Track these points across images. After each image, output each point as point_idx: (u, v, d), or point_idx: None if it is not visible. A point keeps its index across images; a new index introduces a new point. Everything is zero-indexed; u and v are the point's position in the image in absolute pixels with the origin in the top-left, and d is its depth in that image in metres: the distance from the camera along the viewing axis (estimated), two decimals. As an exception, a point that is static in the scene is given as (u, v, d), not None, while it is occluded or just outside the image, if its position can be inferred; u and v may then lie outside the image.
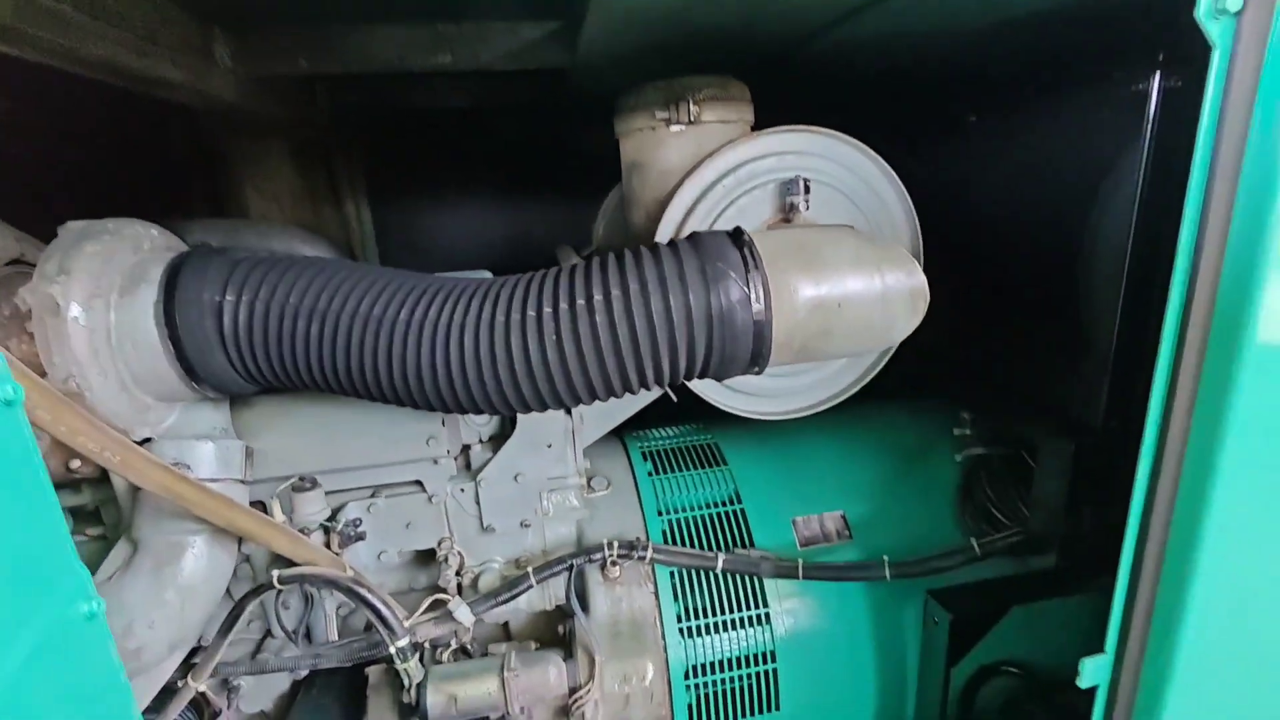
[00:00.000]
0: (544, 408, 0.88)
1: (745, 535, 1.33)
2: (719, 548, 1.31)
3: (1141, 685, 0.78)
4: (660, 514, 1.36)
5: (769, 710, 1.27)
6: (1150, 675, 0.78)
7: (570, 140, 2.26)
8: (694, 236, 0.86)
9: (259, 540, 0.91)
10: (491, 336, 0.82)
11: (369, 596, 1.01)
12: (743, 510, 1.37)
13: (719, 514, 1.37)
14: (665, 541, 1.32)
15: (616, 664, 1.18)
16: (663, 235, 1.09)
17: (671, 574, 1.29)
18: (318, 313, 0.83)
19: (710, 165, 1.02)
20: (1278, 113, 0.68)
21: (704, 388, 1.17)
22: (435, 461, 1.19)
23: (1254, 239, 0.70)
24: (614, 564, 1.23)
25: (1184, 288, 0.75)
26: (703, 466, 1.47)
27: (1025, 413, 1.10)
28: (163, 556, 0.88)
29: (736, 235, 0.85)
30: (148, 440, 0.90)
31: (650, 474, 1.45)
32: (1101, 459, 0.98)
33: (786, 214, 1.02)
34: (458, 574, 1.27)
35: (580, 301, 0.81)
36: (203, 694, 1.16)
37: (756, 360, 0.85)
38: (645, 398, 1.40)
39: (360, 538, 1.10)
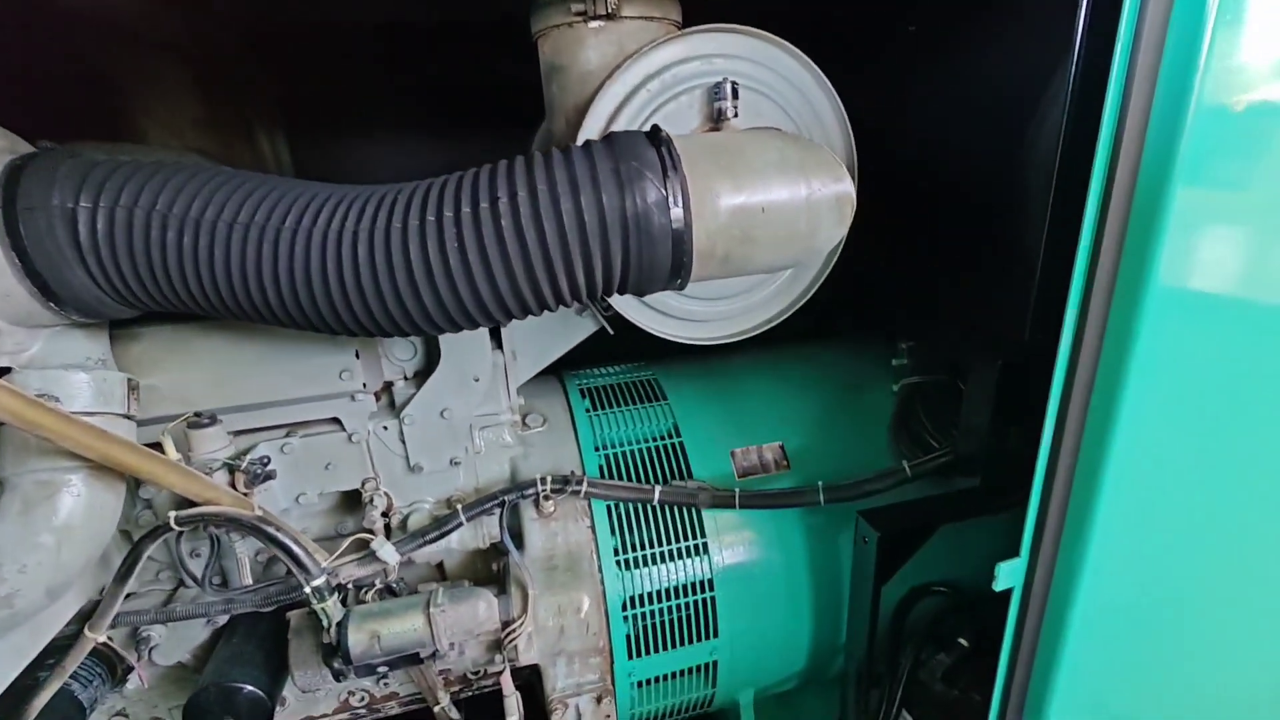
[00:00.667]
0: (453, 326, 0.82)
1: (684, 468, 1.32)
2: (657, 481, 1.29)
3: (1053, 587, 0.79)
4: (598, 449, 1.33)
5: (708, 637, 1.27)
6: (1061, 578, 0.79)
7: (511, 71, 2.13)
8: (609, 137, 0.80)
9: (144, 476, 0.84)
10: (388, 244, 0.75)
11: (278, 535, 0.95)
12: (681, 444, 1.35)
13: (657, 448, 1.34)
14: (603, 476, 1.29)
15: (551, 597, 1.15)
16: (583, 145, 1.02)
17: (609, 508, 1.26)
18: (190, 220, 0.75)
19: (632, 68, 0.95)
20: (1193, 21, 0.66)
21: (635, 313, 1.13)
22: (352, 398, 1.12)
23: (1169, 146, 0.69)
24: (547, 499, 1.20)
25: (1100, 198, 0.72)
26: (642, 402, 1.43)
27: (958, 336, 1.09)
28: (32, 496, 0.80)
29: (653, 134, 0.79)
30: (6, 370, 0.81)
31: (588, 410, 1.41)
32: (1026, 376, 0.98)
33: (715, 122, 0.97)
34: (385, 515, 1.22)
35: (484, 205, 0.74)
36: (111, 647, 1.09)
37: (679, 271, 0.81)
38: (580, 331, 1.36)
39: (269, 476, 1.04)
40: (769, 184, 0.80)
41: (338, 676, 1.04)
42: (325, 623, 0.99)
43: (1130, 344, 0.72)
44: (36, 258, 0.73)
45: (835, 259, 1.10)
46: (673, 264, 0.79)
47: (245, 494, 1.02)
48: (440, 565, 1.29)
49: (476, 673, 1.21)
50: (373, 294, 0.77)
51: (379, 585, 1.09)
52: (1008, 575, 0.80)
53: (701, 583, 1.26)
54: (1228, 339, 0.76)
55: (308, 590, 0.97)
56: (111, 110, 1.52)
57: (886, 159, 1.16)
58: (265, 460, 1.04)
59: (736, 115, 0.94)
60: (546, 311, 0.83)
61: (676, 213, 0.76)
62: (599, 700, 1.22)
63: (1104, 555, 0.79)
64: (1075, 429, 0.76)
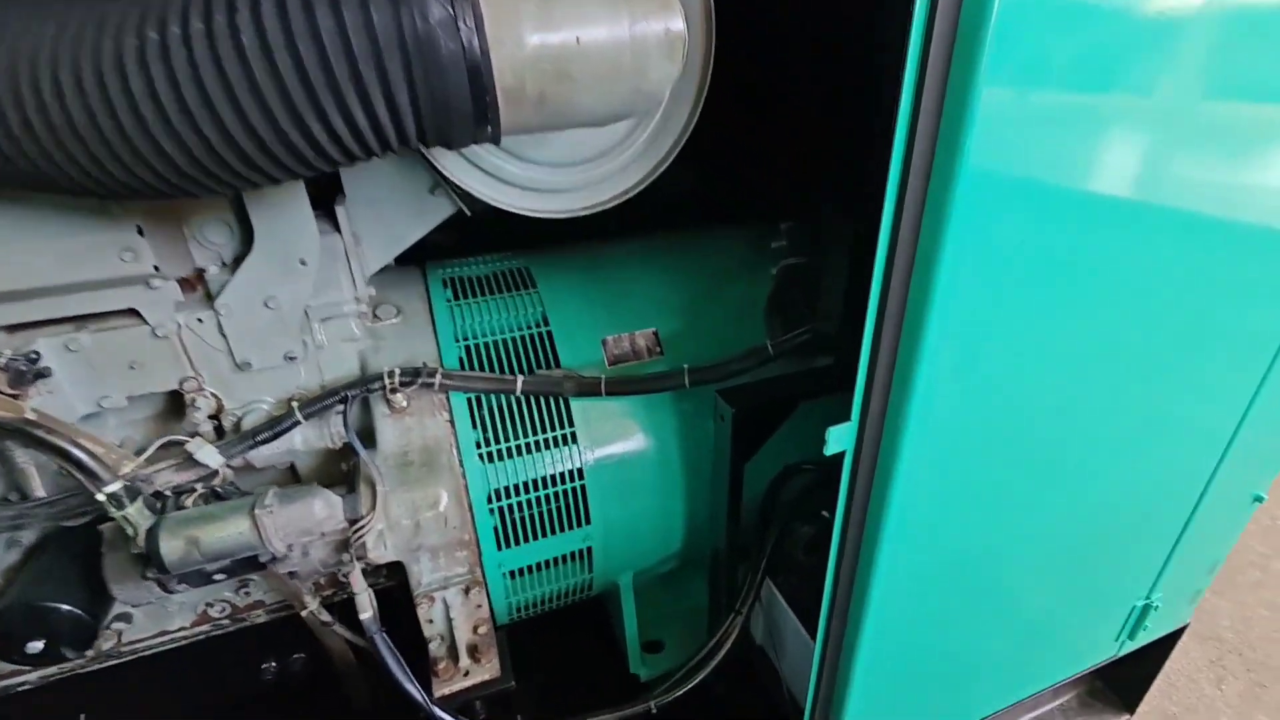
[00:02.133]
0: (200, 186, 0.68)
1: (551, 357, 1.25)
2: (524, 372, 1.22)
3: (881, 449, 0.79)
4: (458, 341, 1.24)
5: (580, 524, 1.26)
6: (888, 439, 0.79)
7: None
8: (386, -59, 0.65)
9: None
10: (99, 70, 0.60)
11: (50, 438, 0.83)
12: (549, 333, 1.27)
13: (523, 337, 1.27)
14: (463, 369, 1.21)
15: (404, 493, 1.10)
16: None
17: (469, 400, 1.20)
18: None
19: None
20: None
21: (473, 180, 1.01)
22: (147, 284, 0.97)
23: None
24: (394, 392, 1.11)
25: (919, 45, 0.65)
26: (509, 291, 1.34)
27: (825, 212, 1.04)
28: None
29: (441, -61, 0.65)
30: None
31: (450, 301, 1.30)
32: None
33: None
34: (213, 418, 1.11)
35: (219, 18, 0.60)
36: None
37: (484, 113, 0.69)
38: (436, 213, 1.22)
39: (41, 375, 0.89)
40: (582, 11, 0.68)
41: (163, 587, 0.96)
42: (130, 531, 0.89)
43: (944, 224, 0.68)
44: None
45: (693, 120, 1.00)
46: (474, 103, 0.68)
47: (14, 395, 0.88)
48: (292, 468, 1.20)
49: (338, 574, 1.16)
50: (88, 130, 0.62)
51: (201, 490, 0.99)
52: (838, 439, 0.79)
53: (571, 472, 1.23)
54: (1039, 227, 0.74)
55: (101, 498, 0.86)
56: None
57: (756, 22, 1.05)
58: (33, 356, 0.89)
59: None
60: (336, 163, 0.71)
61: (469, 37, 0.64)
62: (467, 591, 1.20)
63: (925, 419, 0.79)
64: (898, 300, 0.74)
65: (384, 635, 1.05)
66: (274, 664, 1.42)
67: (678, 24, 0.74)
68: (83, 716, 1.18)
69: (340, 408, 1.10)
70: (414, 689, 1.08)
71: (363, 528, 1.02)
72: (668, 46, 0.73)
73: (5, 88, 0.61)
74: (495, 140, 0.75)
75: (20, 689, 1.15)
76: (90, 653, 1.07)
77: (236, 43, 0.60)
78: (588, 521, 1.27)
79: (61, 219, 0.88)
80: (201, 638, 1.28)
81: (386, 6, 0.61)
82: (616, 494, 1.27)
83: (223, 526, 0.92)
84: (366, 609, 1.04)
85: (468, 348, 1.23)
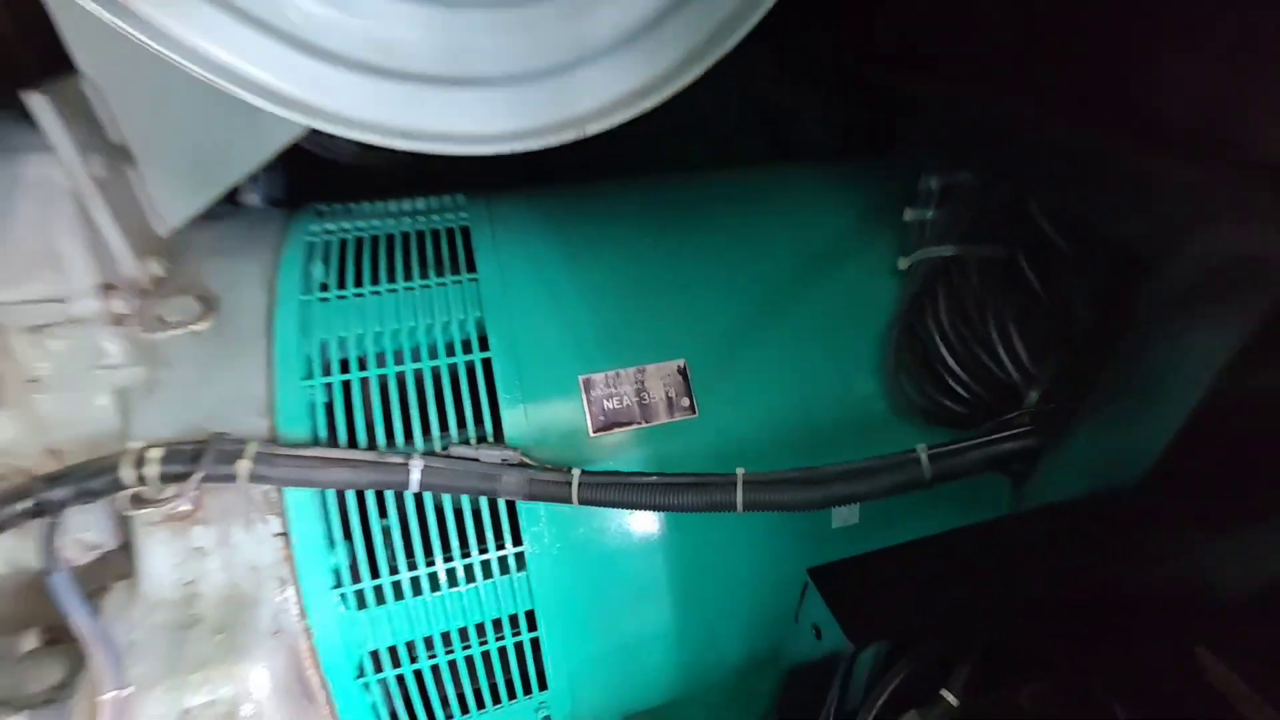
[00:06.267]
0: None
1: (488, 411, 0.67)
2: (439, 437, 0.66)
3: None
4: (312, 373, 0.66)
5: (527, 692, 0.73)
6: None
7: None
8: None
9: None
10: None
11: None
12: (485, 360, 0.69)
13: (440, 370, 0.68)
14: (321, 430, 0.64)
15: (175, 689, 0.56)
16: None
17: (325, 498, 0.63)
18: None
19: None
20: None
21: (214, 42, 0.40)
22: None
23: None
24: (143, 503, 0.55)
25: None
26: (429, 275, 0.74)
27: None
28: None
29: None
30: None
31: (320, 291, 0.72)
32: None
33: None
34: None
35: None
36: None
37: None
38: (275, 136, 0.62)
39: None
40: None
41: None
42: None
43: None
44: None
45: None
46: None
47: None
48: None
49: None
50: None
51: None
52: None
53: (512, 617, 0.69)
54: None
55: None
56: None
57: None
58: None
59: None
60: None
61: None
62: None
63: None
64: None
65: None
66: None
67: None
68: None
69: (39, 521, 0.55)
70: None
71: (61, 787, 0.50)
72: None
73: None
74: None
75: None
76: None
77: None
78: (543, 687, 0.74)
79: None
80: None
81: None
82: (593, 634, 0.74)
83: None
84: None
85: (334, 388, 0.66)
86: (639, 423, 0.70)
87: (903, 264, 0.77)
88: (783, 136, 1.06)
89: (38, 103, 0.54)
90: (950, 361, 0.70)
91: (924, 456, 0.54)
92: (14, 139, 0.59)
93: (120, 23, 0.42)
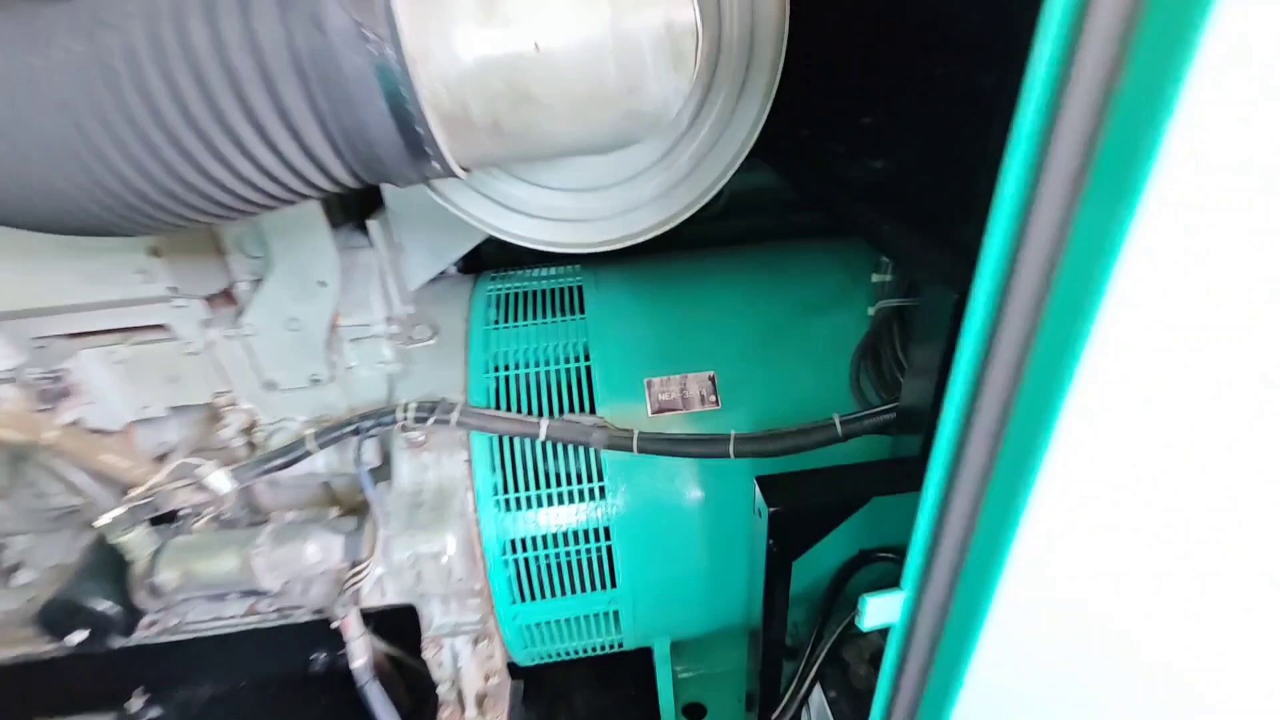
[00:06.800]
0: (139, 225, 0.60)
1: (588, 398, 1.10)
2: (555, 413, 1.09)
3: (950, 628, 0.55)
4: (490, 371, 1.13)
5: (604, 588, 1.12)
6: (962, 613, 0.54)
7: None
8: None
9: None
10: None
11: (53, 464, 0.84)
12: (588, 368, 1.12)
13: (560, 371, 1.13)
14: (492, 403, 1.10)
15: (409, 538, 1.02)
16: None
17: (491, 441, 1.09)
18: None
19: None
20: None
21: (474, 206, 0.86)
22: (172, 302, 0.96)
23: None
24: (405, 429, 1.03)
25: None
26: (556, 315, 1.20)
27: (925, 253, 0.77)
28: None
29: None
30: None
31: (495, 324, 1.19)
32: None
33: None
34: (246, 433, 1.10)
35: (75, 46, 0.49)
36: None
37: (418, 145, 0.54)
38: (473, 239, 1.11)
39: (64, 394, 0.91)
40: (541, 3, 0.50)
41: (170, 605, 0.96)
42: (130, 557, 0.90)
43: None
44: None
45: (756, 130, 0.78)
46: (403, 135, 0.52)
47: (46, 410, 0.90)
48: (327, 485, 1.18)
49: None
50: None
51: (210, 515, 0.98)
52: (881, 611, 0.56)
53: (596, 530, 1.09)
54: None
55: (97, 525, 0.86)
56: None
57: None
58: (57, 376, 0.91)
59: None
60: (266, 206, 0.60)
61: (379, 48, 0.48)
62: (476, 643, 1.11)
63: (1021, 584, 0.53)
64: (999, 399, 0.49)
65: (376, 685, 1.00)
66: (323, 655, 1.46)
67: (685, 13, 0.52)
68: (141, 689, 1.26)
69: (355, 439, 1.03)
70: (407, 743, 1.02)
71: (358, 575, 0.96)
72: (671, 46, 0.52)
73: None
74: (453, 174, 0.60)
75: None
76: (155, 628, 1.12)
77: (103, 58, 0.49)
78: (614, 585, 1.12)
79: (84, 245, 0.88)
80: (251, 628, 1.33)
81: (272, 11, 0.47)
82: (650, 558, 1.11)
83: (215, 562, 0.90)
84: (358, 657, 0.99)
85: (501, 379, 1.12)
86: (680, 410, 1.10)
87: (871, 311, 1.12)
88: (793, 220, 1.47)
89: (373, 226, 1.06)
90: (896, 373, 1.04)
91: (838, 422, 0.89)
92: (353, 240, 1.12)
93: (436, 197, 0.90)
